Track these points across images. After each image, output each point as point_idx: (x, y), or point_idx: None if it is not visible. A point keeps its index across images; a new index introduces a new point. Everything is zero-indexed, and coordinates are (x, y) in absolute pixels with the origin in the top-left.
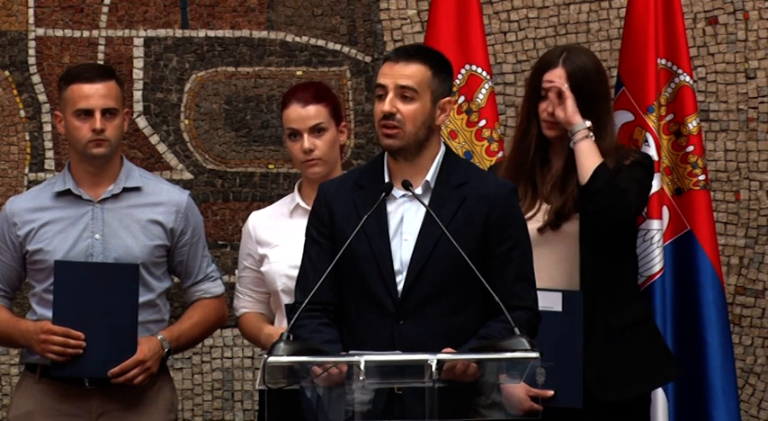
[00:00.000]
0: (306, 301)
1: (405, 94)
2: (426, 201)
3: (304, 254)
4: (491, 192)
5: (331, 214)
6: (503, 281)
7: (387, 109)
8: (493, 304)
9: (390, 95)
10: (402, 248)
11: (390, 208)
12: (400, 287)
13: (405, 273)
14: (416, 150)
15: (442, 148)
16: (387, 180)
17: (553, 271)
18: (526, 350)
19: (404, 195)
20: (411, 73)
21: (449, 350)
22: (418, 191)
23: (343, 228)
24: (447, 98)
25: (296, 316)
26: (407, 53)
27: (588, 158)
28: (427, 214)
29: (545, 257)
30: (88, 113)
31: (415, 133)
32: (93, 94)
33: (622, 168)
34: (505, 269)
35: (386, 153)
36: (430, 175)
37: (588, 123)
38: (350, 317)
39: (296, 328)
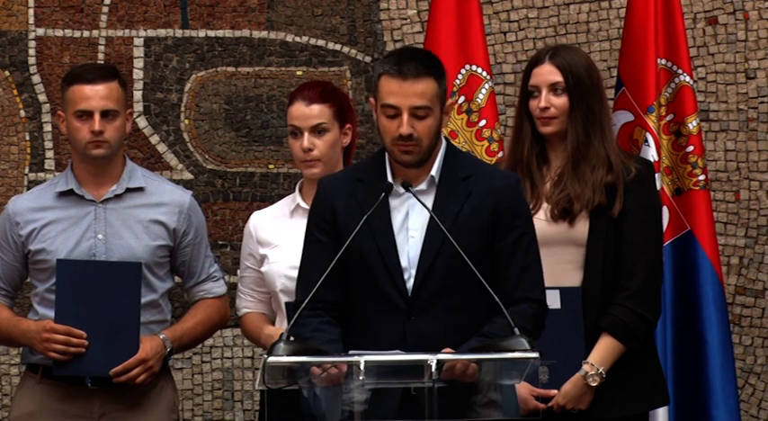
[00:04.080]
0: (307, 299)
1: (418, 113)
2: (432, 196)
3: (304, 252)
4: (497, 184)
5: (333, 209)
6: (509, 272)
7: (406, 132)
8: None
9: (406, 117)
10: (408, 244)
11: (394, 203)
12: (410, 284)
13: (413, 270)
14: (428, 156)
15: (443, 142)
16: (389, 178)
17: (548, 274)
18: (525, 350)
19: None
20: (422, 91)
21: (449, 350)
22: (423, 186)
23: (347, 223)
24: (450, 101)
25: (297, 314)
26: (414, 69)
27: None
28: (433, 210)
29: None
30: (88, 114)
31: (430, 144)
32: (93, 95)
33: (627, 218)
34: (512, 261)
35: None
36: (434, 170)
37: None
38: (359, 313)
39: (297, 327)
